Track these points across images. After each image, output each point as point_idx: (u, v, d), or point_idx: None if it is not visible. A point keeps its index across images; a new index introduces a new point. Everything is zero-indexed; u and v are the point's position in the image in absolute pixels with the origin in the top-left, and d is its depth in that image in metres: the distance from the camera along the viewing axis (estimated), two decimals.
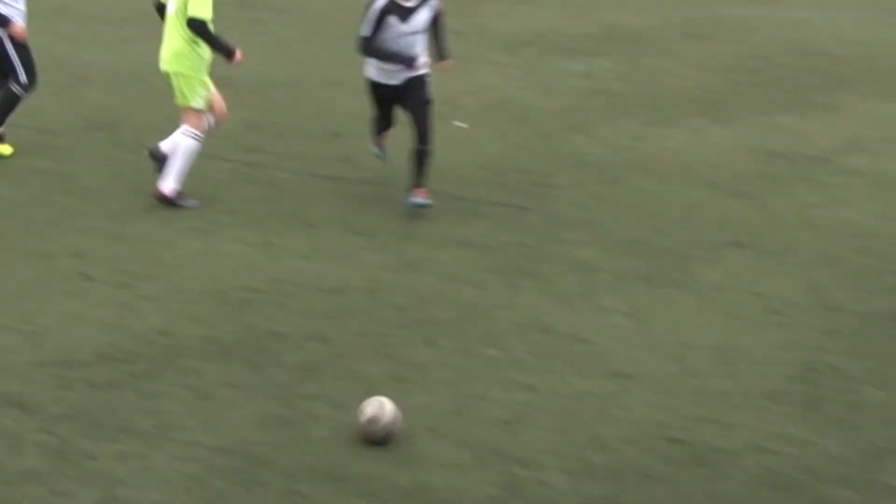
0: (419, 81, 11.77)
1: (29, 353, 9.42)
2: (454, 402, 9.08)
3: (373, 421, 8.48)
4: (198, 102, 11.90)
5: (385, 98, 11.95)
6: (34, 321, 9.86)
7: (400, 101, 11.90)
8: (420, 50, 11.72)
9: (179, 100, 11.97)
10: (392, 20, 11.61)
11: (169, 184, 11.90)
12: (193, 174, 12.00)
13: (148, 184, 12.03)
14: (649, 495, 8.13)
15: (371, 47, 11.68)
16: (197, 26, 11.57)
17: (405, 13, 11.66)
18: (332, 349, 9.69)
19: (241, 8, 17.94)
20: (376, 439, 8.49)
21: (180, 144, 11.85)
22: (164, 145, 11.86)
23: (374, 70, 11.85)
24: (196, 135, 11.92)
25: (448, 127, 13.70)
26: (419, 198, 11.76)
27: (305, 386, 9.20)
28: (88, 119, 14.09)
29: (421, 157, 11.78)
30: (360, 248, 11.36)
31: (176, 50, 11.79)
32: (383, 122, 12.24)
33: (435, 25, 11.90)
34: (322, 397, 9.06)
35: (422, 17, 11.73)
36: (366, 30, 11.64)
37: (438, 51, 12.02)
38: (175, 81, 11.87)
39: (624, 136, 14.12)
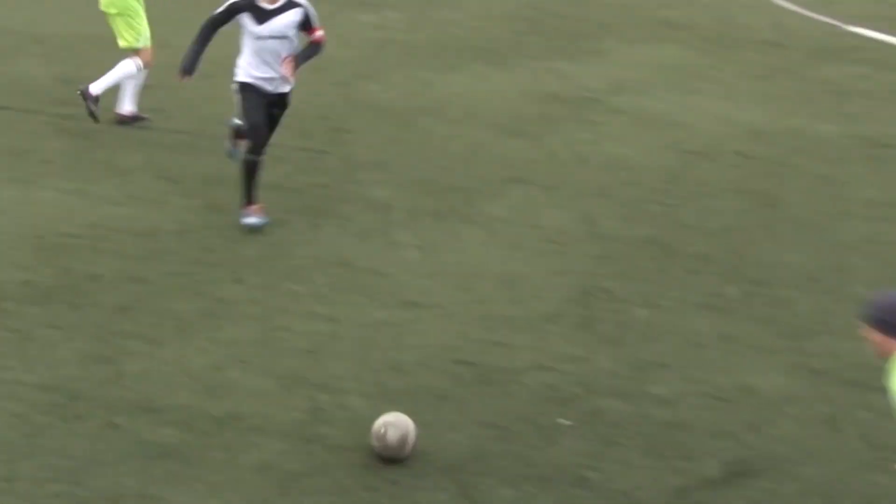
0: (286, 101, 10.50)
1: None
2: (261, 335, 9.02)
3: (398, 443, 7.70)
4: (139, 42, 12.16)
5: (264, 104, 10.38)
6: None
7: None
8: (281, 60, 10.23)
9: (121, 43, 12.17)
10: (245, 20, 10.19)
11: (126, 106, 12.23)
12: (7, 127, 11.66)
13: None
14: (442, 414, 8.19)
15: (202, 29, 10.34)
16: None
17: (262, 15, 10.15)
18: (146, 289, 9.54)
19: None
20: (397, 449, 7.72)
21: (121, 66, 12.19)
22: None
23: (250, 75, 10.33)
24: (139, 65, 12.19)
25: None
26: (254, 217, 10.36)
27: (122, 324, 9.05)
28: None
29: (254, 167, 10.41)
30: (170, 193, 11.17)
31: None
32: (264, 131, 10.48)
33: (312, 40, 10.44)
34: (137, 335, 8.93)
35: (282, 23, 10.17)
36: (216, 13, 10.34)
37: (295, 55, 10.37)
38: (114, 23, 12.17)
39: (414, 83, 14.09)
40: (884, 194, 11.73)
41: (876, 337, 6.31)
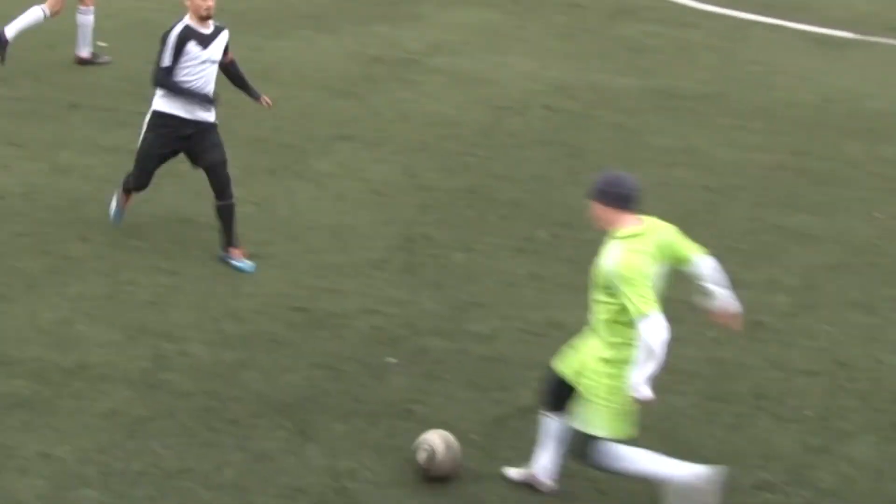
0: (214, 130, 9.43)
1: None
2: (107, 289, 8.85)
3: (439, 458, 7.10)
4: None
5: (172, 139, 9.33)
6: None
7: (191, 149, 9.40)
8: (213, 85, 9.40)
9: None
10: (191, 46, 9.23)
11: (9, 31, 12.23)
12: None
13: None
14: (278, 357, 8.14)
15: (170, 79, 9.21)
16: None
17: (203, 39, 9.30)
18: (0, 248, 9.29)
19: None
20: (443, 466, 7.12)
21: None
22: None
23: (168, 102, 9.32)
24: (45, 11, 12.24)
25: (94, 49, 13.17)
26: (239, 261, 9.29)
27: None
28: None
29: (227, 211, 9.38)
30: (17, 157, 10.85)
31: None
32: (146, 177, 9.52)
33: (227, 63, 9.60)
34: None
35: (218, 46, 9.39)
36: (166, 60, 9.21)
37: (249, 90, 9.77)
38: None
39: (246, 49, 13.80)
40: (675, 141, 11.94)
41: (598, 210, 6.54)
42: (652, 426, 7.53)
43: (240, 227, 9.72)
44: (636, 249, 6.46)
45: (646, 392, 6.46)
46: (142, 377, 7.84)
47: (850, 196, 10.97)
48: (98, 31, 13.76)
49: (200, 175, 10.64)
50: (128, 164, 10.75)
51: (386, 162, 11.19)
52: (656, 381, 8.03)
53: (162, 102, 9.34)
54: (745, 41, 14.87)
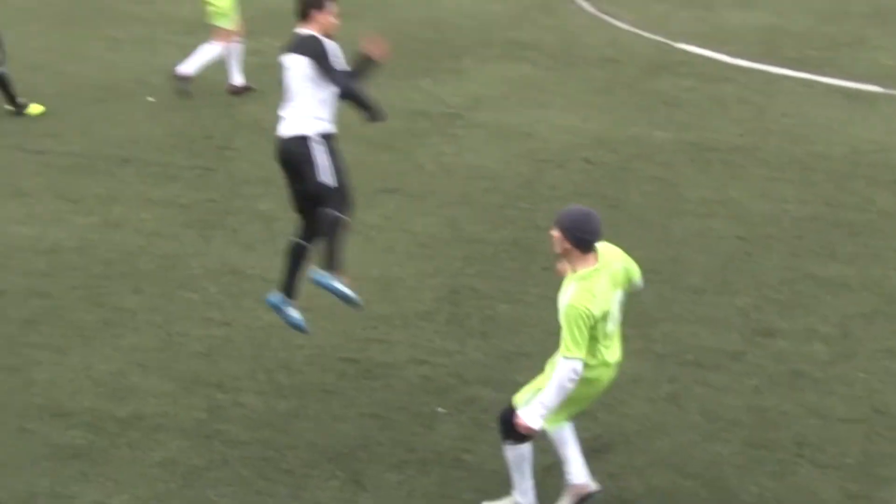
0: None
1: None
2: (160, 341, 8.92)
3: None
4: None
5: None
6: None
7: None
8: None
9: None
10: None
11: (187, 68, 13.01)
12: None
13: None
14: (330, 407, 8.17)
15: (358, 90, 8.20)
16: None
17: None
18: (51, 303, 9.38)
19: None
20: None
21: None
22: None
23: (327, 122, 8.24)
24: (220, 45, 13.51)
25: (142, 101, 13.35)
26: (346, 288, 8.32)
27: (29, 336, 8.88)
28: None
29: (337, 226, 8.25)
30: (70, 212, 10.99)
31: None
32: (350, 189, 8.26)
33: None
34: (44, 345, 8.78)
35: None
36: (345, 64, 8.20)
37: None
38: None
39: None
40: (711, 193, 11.96)
41: (559, 241, 6.86)
42: (696, 474, 7.54)
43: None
44: (588, 289, 6.73)
45: (536, 423, 6.71)
46: (196, 427, 7.90)
47: (883, 245, 10.95)
48: (146, 86, 13.98)
49: (249, 228, 10.78)
50: (177, 216, 10.88)
51: (431, 215, 11.25)
52: (699, 429, 8.05)
53: (322, 124, 8.22)
54: (777, 95, 14.90)
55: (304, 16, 8.37)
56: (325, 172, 8.23)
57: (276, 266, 10.01)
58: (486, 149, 12.90)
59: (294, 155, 8.27)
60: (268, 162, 12.00)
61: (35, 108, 12.92)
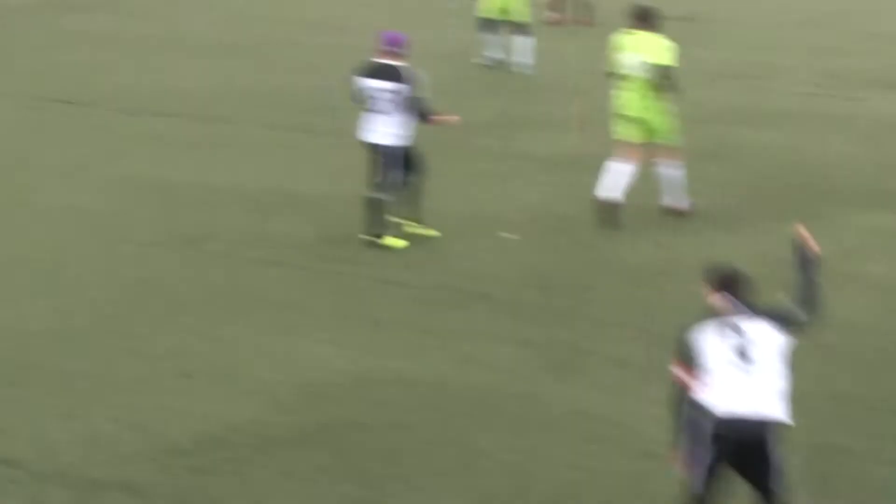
0: None
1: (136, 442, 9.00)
2: (513, 483, 8.56)
3: None
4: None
5: None
6: (141, 414, 9.44)
7: None
8: None
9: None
10: None
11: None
12: (276, 280, 11.59)
13: (239, 295, 11.63)
14: None
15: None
16: None
17: None
18: (410, 435, 9.24)
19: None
20: None
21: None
22: None
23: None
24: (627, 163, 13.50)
25: (496, 239, 13.27)
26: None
27: (388, 469, 8.74)
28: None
29: None
30: (428, 347, 10.85)
31: None
32: None
33: None
34: (399, 477, 8.61)
35: None
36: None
37: None
38: None
39: (649, 244, 13.55)
40: None
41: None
42: None
43: (640, 425, 9.28)
44: None
45: None
46: None
47: None
48: (505, 224, 13.87)
49: (609, 372, 10.31)
50: (533, 356, 10.57)
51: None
52: None
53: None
54: None
55: None
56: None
57: (635, 412, 9.57)
58: (859, 302, 12.08)
59: (763, 445, 6.68)
60: (627, 304, 11.64)
61: (396, 242, 12.96)
